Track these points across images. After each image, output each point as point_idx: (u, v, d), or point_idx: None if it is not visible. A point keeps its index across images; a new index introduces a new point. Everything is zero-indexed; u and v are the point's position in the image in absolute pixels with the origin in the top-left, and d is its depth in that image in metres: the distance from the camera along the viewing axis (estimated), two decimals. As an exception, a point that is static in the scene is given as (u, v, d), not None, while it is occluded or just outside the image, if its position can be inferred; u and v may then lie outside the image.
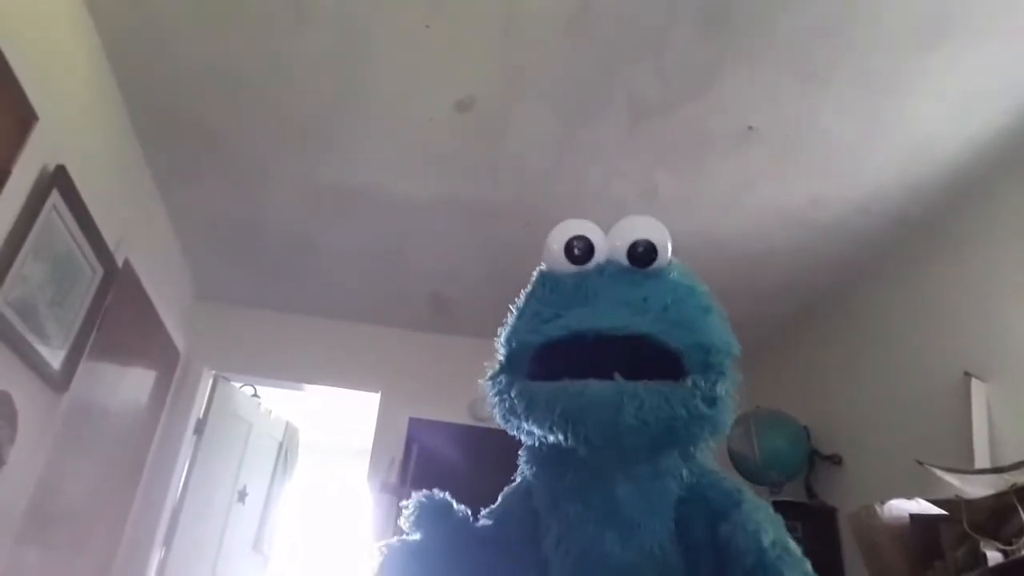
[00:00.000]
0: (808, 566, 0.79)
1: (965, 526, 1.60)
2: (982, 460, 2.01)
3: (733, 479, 0.94)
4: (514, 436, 0.97)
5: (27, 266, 1.87)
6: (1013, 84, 1.94)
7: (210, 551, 3.53)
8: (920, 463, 1.96)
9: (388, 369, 3.75)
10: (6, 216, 1.79)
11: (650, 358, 0.85)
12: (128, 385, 2.93)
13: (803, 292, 3.07)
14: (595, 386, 0.83)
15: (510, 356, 0.94)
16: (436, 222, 2.88)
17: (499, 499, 1.04)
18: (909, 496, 1.91)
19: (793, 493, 2.89)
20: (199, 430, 3.54)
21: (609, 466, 0.88)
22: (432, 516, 0.96)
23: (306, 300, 3.69)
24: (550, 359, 0.88)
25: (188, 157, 2.63)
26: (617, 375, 0.83)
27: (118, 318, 2.54)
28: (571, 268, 0.94)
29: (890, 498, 1.91)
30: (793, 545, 0.80)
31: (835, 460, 2.82)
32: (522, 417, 0.89)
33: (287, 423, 4.25)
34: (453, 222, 2.87)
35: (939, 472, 1.84)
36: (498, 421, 0.96)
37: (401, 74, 2.15)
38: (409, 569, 0.91)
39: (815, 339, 3.17)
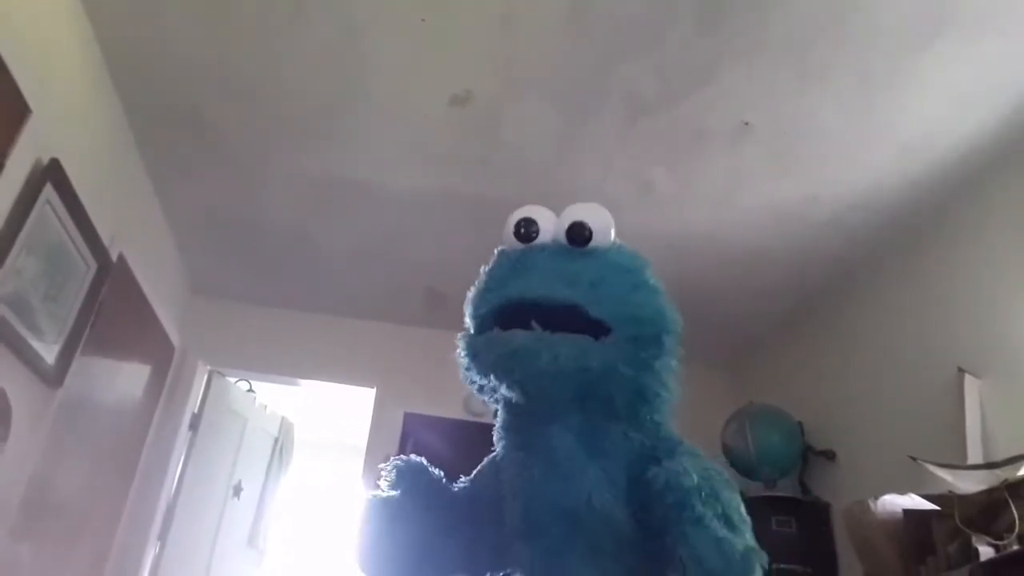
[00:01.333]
0: (737, 515, 0.83)
1: (957, 521, 1.61)
2: (975, 456, 2.02)
3: (689, 445, 0.99)
4: (482, 413, 1.06)
5: (20, 260, 1.86)
6: (1007, 82, 1.95)
7: (205, 546, 3.53)
8: (913, 459, 1.97)
9: (384, 364, 3.75)
10: (-1, 210, 1.78)
11: (587, 329, 0.94)
12: (123, 380, 2.93)
13: (798, 288, 3.08)
14: (519, 335, 0.93)
15: (473, 326, 1.05)
16: (432, 217, 2.88)
17: (474, 471, 1.13)
18: (902, 491, 1.92)
19: (787, 488, 2.90)
20: (194, 425, 3.54)
21: (546, 415, 0.97)
22: (409, 476, 1.05)
23: (302, 295, 3.68)
24: (504, 326, 0.98)
25: (183, 151, 2.62)
26: (535, 325, 0.92)
27: (112, 313, 2.53)
28: (520, 246, 1.05)
29: (883, 493, 1.92)
30: (727, 495, 0.84)
31: (829, 456, 2.83)
32: (472, 369, 1.00)
33: (282, 418, 4.25)
34: (449, 217, 2.87)
35: (932, 468, 1.85)
36: (475, 391, 1.06)
37: (397, 69, 2.14)
38: (383, 520, 0.99)
39: (809, 335, 3.18)
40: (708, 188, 2.54)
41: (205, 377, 3.67)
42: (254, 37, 2.07)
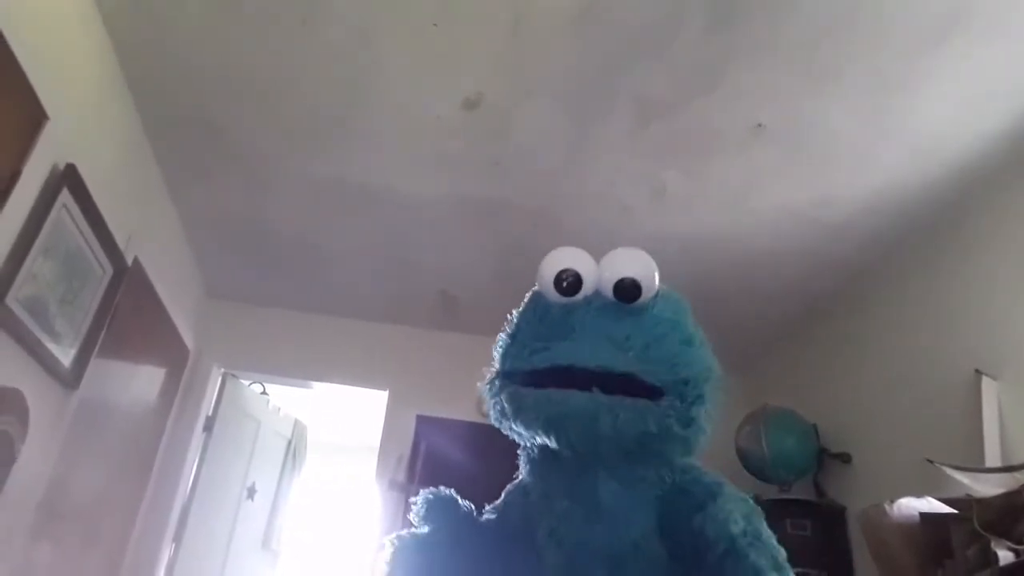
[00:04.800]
0: (781, 555, 0.83)
1: (976, 525, 1.59)
2: (993, 459, 2.00)
3: (715, 474, 0.98)
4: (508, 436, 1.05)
5: (38, 264, 1.89)
6: (1021, 82, 1.93)
7: (219, 548, 3.55)
8: (930, 461, 1.95)
9: (396, 367, 3.76)
10: (17, 215, 1.80)
11: (639, 390, 0.91)
12: (138, 383, 2.95)
13: (812, 291, 3.05)
14: (576, 397, 0.89)
15: (503, 373, 1.01)
16: (444, 220, 2.89)
17: (502, 495, 1.10)
18: (919, 495, 1.90)
19: (802, 492, 2.88)
20: (208, 427, 3.56)
21: (592, 466, 0.94)
22: (438, 510, 1.02)
23: (314, 298, 3.70)
24: (553, 381, 0.93)
25: (197, 155, 2.65)
26: (596, 389, 0.89)
27: (128, 316, 2.56)
28: (560, 300, 0.98)
29: (900, 497, 1.90)
30: (767, 534, 0.85)
31: (844, 458, 2.80)
32: (512, 419, 0.96)
33: (296, 421, 4.27)
34: (461, 220, 2.87)
35: (949, 471, 1.83)
36: (492, 421, 1.02)
37: (409, 72, 2.15)
38: (416, 559, 0.97)
39: (824, 337, 3.16)
40: (720, 190, 2.52)
41: (219, 380, 3.70)
42: (267, 44, 2.08)
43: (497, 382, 1.00)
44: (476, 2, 1.89)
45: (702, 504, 0.88)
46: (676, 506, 0.91)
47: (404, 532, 1.01)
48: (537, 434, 0.94)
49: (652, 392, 0.92)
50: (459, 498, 1.06)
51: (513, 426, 0.98)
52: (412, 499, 1.05)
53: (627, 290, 0.95)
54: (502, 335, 1.05)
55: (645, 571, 0.91)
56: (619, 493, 0.93)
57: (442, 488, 1.05)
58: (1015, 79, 1.92)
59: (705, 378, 0.95)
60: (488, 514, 1.08)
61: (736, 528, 0.82)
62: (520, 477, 1.09)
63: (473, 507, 1.06)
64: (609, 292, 0.96)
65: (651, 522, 0.92)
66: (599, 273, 0.98)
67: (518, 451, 1.08)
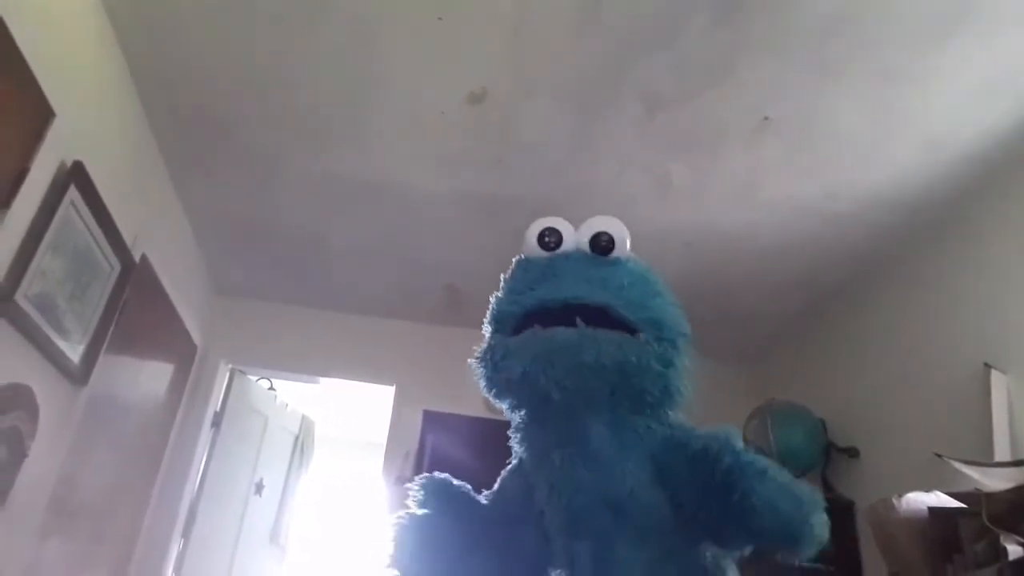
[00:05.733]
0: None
1: (985, 519, 1.58)
2: (1002, 453, 1.99)
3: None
4: (501, 411, 1.10)
5: (46, 262, 1.90)
6: (1034, 72, 1.91)
7: (228, 543, 3.57)
8: (938, 456, 1.94)
9: (403, 362, 3.77)
10: (25, 212, 1.81)
11: (611, 328, 0.99)
12: (146, 379, 2.97)
13: (819, 284, 3.04)
14: (561, 331, 0.97)
15: (493, 331, 1.08)
16: (449, 215, 2.89)
17: (497, 481, 1.14)
18: (927, 489, 1.89)
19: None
20: (216, 423, 3.58)
21: (582, 411, 0.99)
22: (435, 492, 1.07)
23: (321, 294, 3.71)
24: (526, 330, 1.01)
25: (203, 152, 2.65)
26: (579, 321, 0.97)
27: (136, 312, 2.57)
28: (544, 254, 1.09)
29: (908, 491, 1.89)
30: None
31: (852, 453, 2.80)
32: (500, 368, 1.02)
33: (303, 416, 4.29)
34: (466, 215, 2.87)
35: (958, 465, 1.83)
36: (484, 391, 1.08)
37: (413, 68, 2.15)
38: (420, 537, 1.01)
39: (831, 331, 3.15)
40: (727, 184, 2.51)
41: (227, 376, 3.71)
42: (272, 40, 2.08)
43: (485, 343, 1.08)
44: (481, -4, 1.89)
45: (699, 440, 0.95)
46: (674, 458, 0.97)
47: (404, 514, 1.04)
48: (525, 377, 0.98)
49: (628, 330, 0.99)
50: (453, 480, 1.10)
51: (499, 374, 1.02)
52: (409, 484, 1.09)
53: (602, 243, 1.07)
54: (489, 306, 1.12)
55: (644, 516, 0.95)
56: (609, 439, 0.98)
57: (436, 473, 1.09)
58: (1022, 73, 1.91)
59: (677, 326, 1.04)
60: (485, 497, 1.11)
61: (739, 444, 0.90)
62: (514, 461, 1.13)
63: (469, 487, 1.10)
64: (586, 247, 1.08)
65: (645, 472, 0.97)
66: (578, 235, 1.10)
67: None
